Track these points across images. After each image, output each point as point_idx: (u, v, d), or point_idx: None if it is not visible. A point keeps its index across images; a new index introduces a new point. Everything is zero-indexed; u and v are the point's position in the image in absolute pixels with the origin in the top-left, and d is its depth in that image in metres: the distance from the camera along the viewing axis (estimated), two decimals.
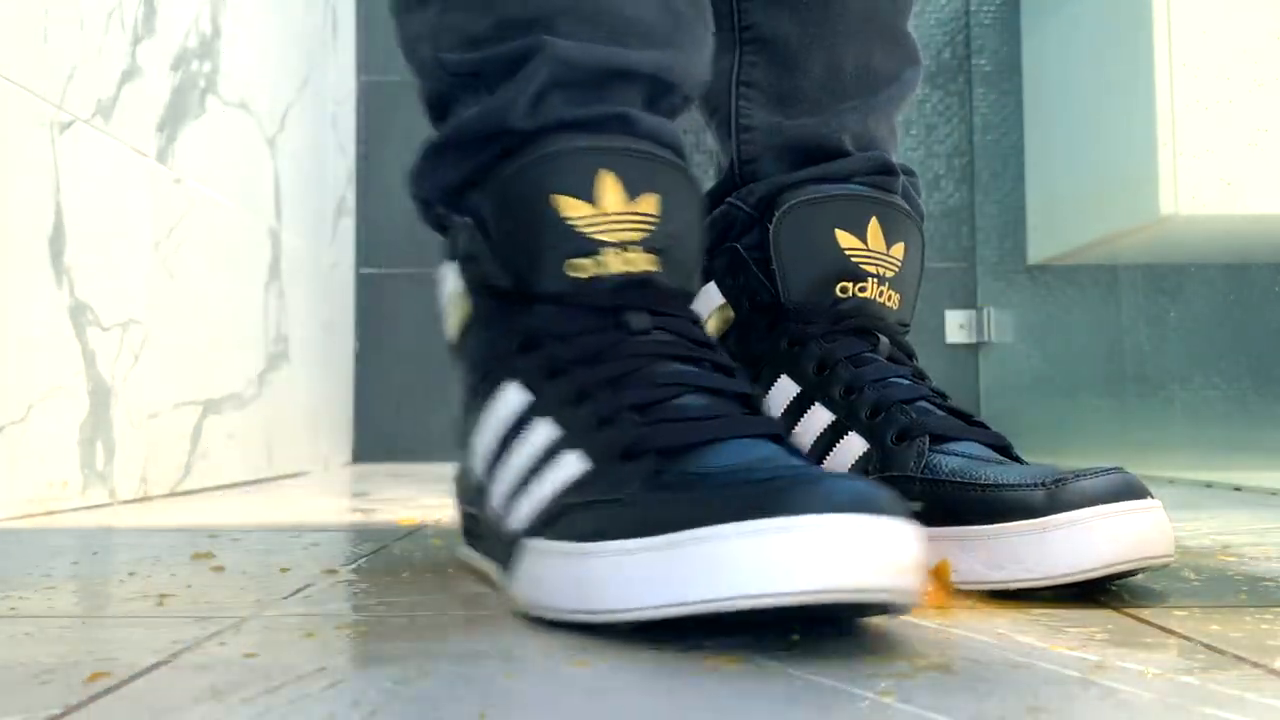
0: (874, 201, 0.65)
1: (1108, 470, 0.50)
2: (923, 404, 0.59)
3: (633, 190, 0.52)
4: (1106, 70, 1.63)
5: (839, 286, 0.64)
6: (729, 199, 0.68)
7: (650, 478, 0.43)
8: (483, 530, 0.54)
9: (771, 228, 0.64)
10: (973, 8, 2.05)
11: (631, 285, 0.51)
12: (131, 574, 0.59)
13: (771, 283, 0.64)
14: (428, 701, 0.33)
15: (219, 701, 0.33)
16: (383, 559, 0.64)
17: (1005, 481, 0.50)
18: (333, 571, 0.59)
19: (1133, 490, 0.49)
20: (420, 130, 0.62)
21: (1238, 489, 1.18)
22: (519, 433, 0.49)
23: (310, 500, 1.17)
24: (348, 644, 0.41)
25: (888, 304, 0.65)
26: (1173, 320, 1.82)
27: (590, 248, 0.51)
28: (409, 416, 1.98)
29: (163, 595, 0.52)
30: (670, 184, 0.53)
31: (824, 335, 0.62)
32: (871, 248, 0.64)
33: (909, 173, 0.70)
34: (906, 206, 0.67)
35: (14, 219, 0.92)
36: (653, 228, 0.52)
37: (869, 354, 0.62)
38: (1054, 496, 0.48)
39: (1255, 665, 0.37)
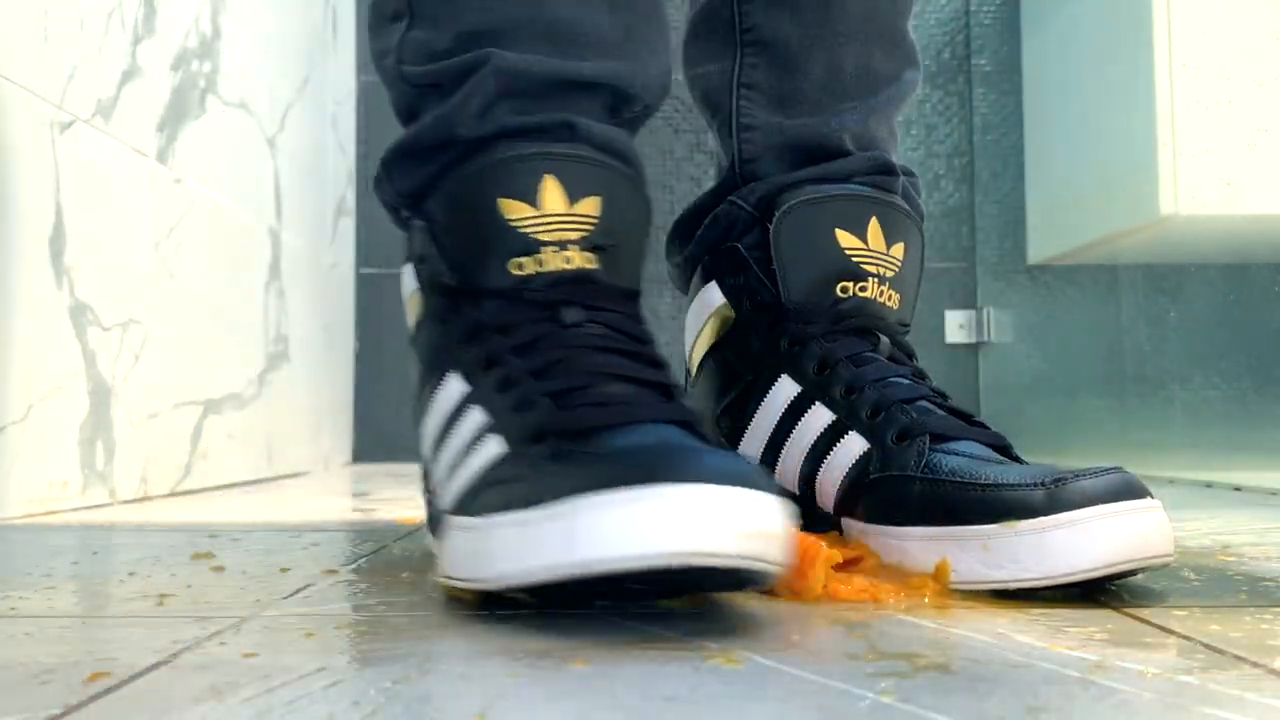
0: (874, 201, 0.65)
1: (1107, 470, 0.50)
2: (923, 403, 0.59)
3: (574, 193, 0.55)
4: (1106, 70, 1.64)
5: (839, 286, 0.64)
6: (730, 198, 0.68)
7: (552, 457, 0.46)
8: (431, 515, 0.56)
9: (772, 227, 0.65)
10: (973, 8, 2.06)
11: (567, 281, 0.54)
12: (131, 574, 0.59)
13: (772, 282, 0.65)
14: (428, 701, 0.33)
15: (219, 701, 0.33)
16: (383, 559, 0.64)
17: (1005, 481, 0.50)
18: (333, 571, 0.59)
19: (1133, 490, 0.49)
20: None
21: (1238, 489, 1.18)
22: (456, 420, 0.52)
23: (310, 500, 1.17)
24: (348, 644, 0.41)
25: (888, 304, 0.65)
26: (1172, 320, 1.82)
27: (531, 247, 0.54)
28: (409, 416, 1.98)
29: (163, 595, 0.52)
30: (612, 188, 0.56)
31: (824, 335, 0.63)
32: (872, 247, 0.64)
33: (909, 173, 0.70)
34: (906, 207, 0.67)
35: (14, 219, 0.92)
36: (591, 228, 0.55)
37: (869, 353, 0.62)
38: (1054, 496, 0.48)
39: (1255, 665, 0.37)
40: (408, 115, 0.61)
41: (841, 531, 0.58)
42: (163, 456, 1.20)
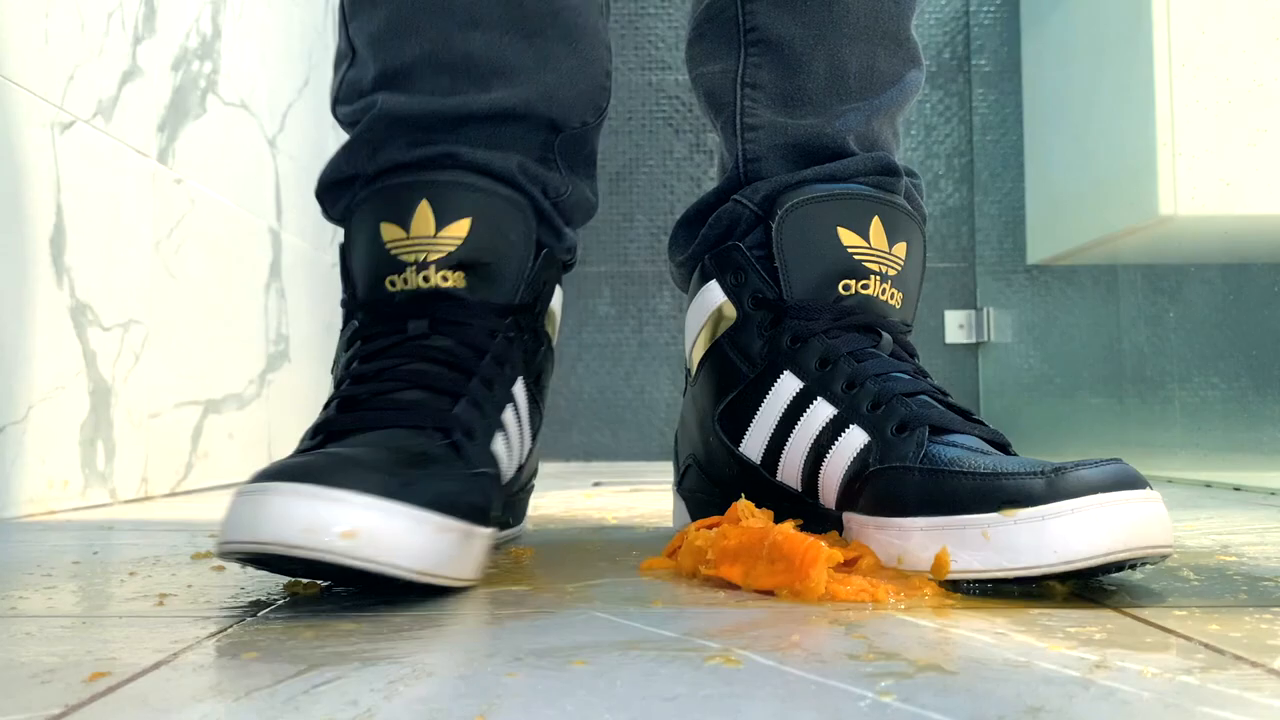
0: (876, 201, 0.65)
1: (1106, 461, 0.50)
2: (923, 398, 0.59)
3: (444, 217, 0.62)
4: (1106, 70, 1.64)
5: (841, 284, 0.64)
6: (734, 197, 0.68)
7: (303, 449, 0.53)
8: None
9: (775, 225, 0.65)
10: (973, 8, 2.06)
11: (421, 298, 0.61)
12: (132, 574, 0.59)
13: (774, 280, 0.65)
14: (428, 701, 0.33)
15: (219, 701, 0.33)
16: None
17: (1004, 470, 0.50)
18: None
19: (1131, 480, 0.49)
20: None
21: (1237, 489, 1.18)
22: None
23: None
24: (348, 644, 0.41)
25: (890, 302, 0.65)
26: (1172, 320, 1.82)
27: (398, 267, 0.62)
28: None
29: (163, 595, 0.52)
30: (485, 210, 0.62)
31: (826, 331, 0.63)
32: (874, 246, 0.65)
33: (912, 174, 0.70)
34: (908, 207, 0.67)
35: (15, 219, 0.92)
36: (453, 249, 0.61)
37: (871, 349, 0.62)
38: (1053, 485, 0.48)
39: (1255, 665, 0.37)
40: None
41: (842, 530, 0.58)
42: (163, 456, 1.20)
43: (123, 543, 0.75)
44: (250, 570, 0.59)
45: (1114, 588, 0.52)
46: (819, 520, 0.59)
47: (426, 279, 0.61)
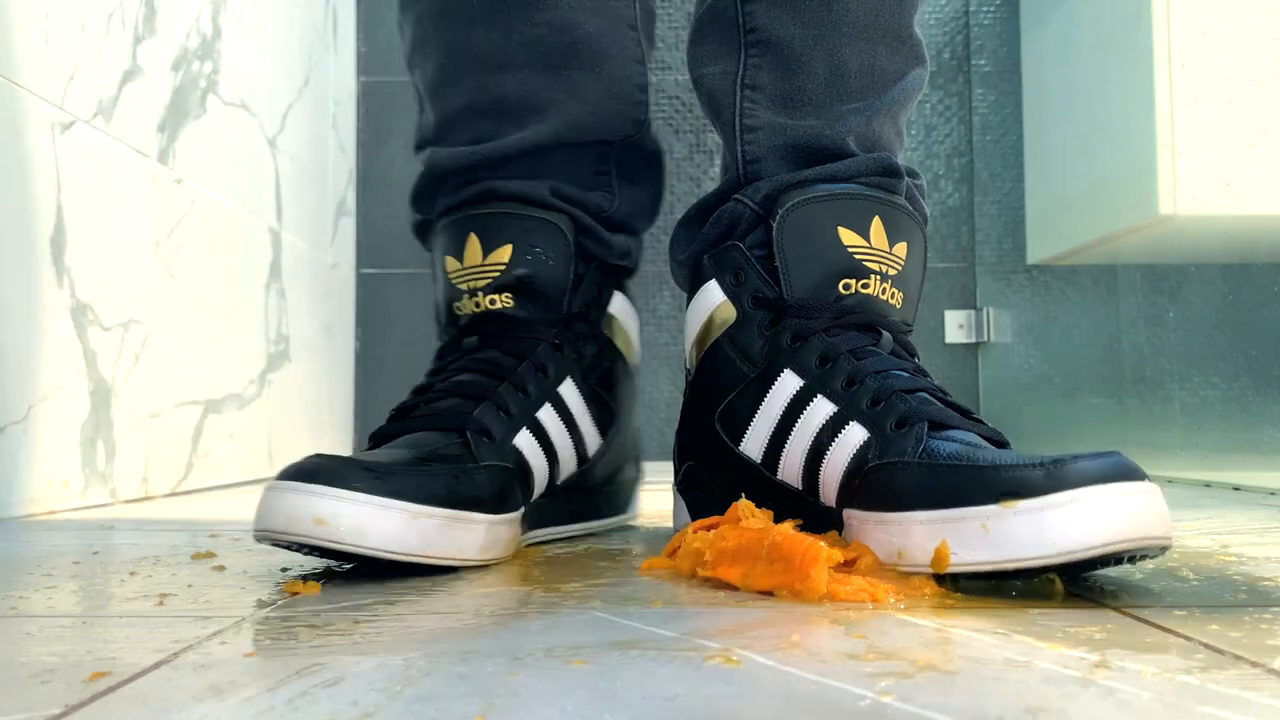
0: (877, 201, 0.66)
1: (1105, 454, 0.50)
2: (923, 395, 0.59)
3: (489, 245, 0.70)
4: (1106, 70, 1.64)
5: (841, 283, 0.64)
6: (735, 196, 0.69)
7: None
8: None
9: (775, 224, 0.65)
10: (972, 8, 2.06)
11: (476, 320, 0.70)
12: (132, 574, 0.59)
13: (774, 279, 0.65)
14: (428, 701, 0.33)
15: (219, 701, 0.33)
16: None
17: (1003, 463, 0.50)
18: (333, 571, 0.59)
19: (1130, 472, 0.49)
20: None
21: (1237, 489, 1.18)
22: None
23: None
24: (348, 644, 0.41)
25: (890, 301, 0.65)
26: (1172, 320, 1.82)
27: (459, 295, 0.71)
28: None
29: (163, 595, 0.52)
30: (522, 233, 0.70)
31: (826, 330, 0.63)
32: (874, 246, 0.65)
33: (913, 175, 0.70)
34: (909, 207, 0.67)
35: (15, 219, 0.92)
36: (499, 274, 0.70)
37: (871, 348, 0.63)
38: (1052, 475, 0.48)
39: (1255, 665, 0.37)
40: None
41: (841, 529, 0.58)
42: (163, 456, 1.20)
43: (123, 543, 0.75)
44: (251, 571, 0.59)
45: (1114, 588, 0.52)
46: (819, 519, 0.59)
47: (478, 304, 0.70)
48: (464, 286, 0.70)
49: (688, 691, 0.34)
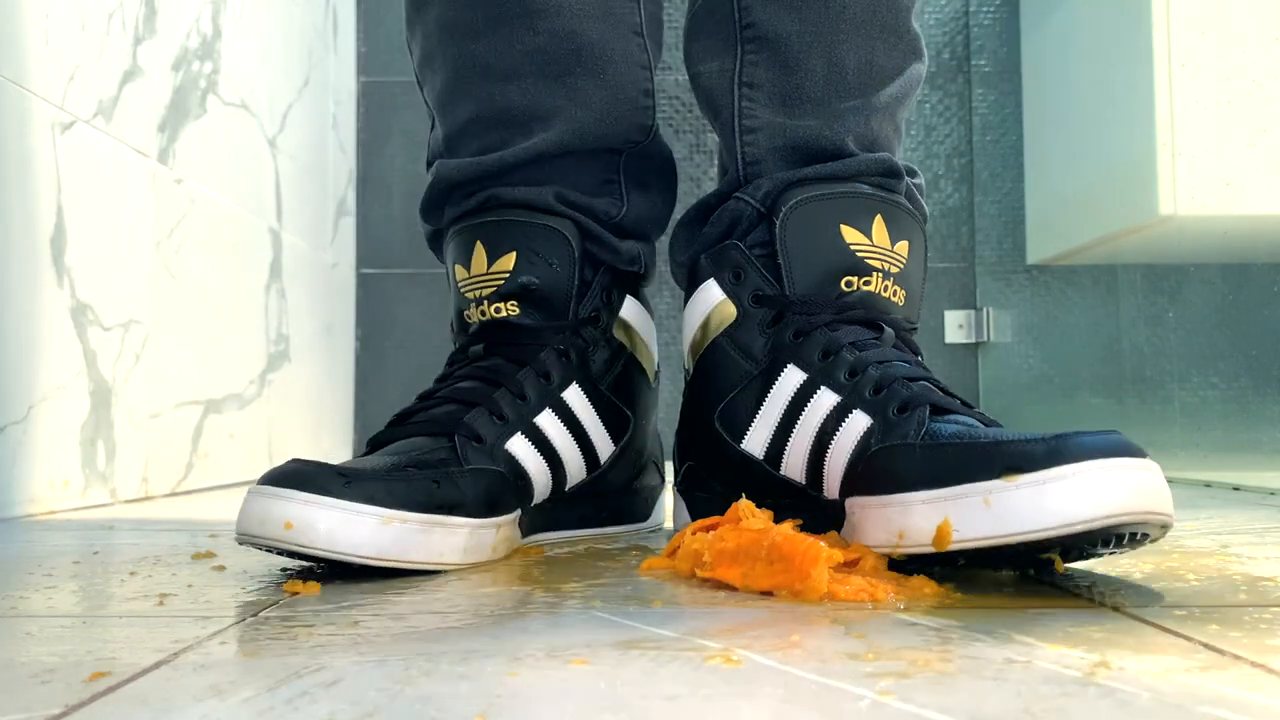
0: (878, 200, 0.66)
1: (1106, 432, 0.50)
2: (924, 383, 0.60)
3: (494, 253, 0.70)
4: (1106, 70, 1.64)
5: (844, 280, 0.65)
6: (736, 194, 0.68)
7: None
8: None
9: (778, 222, 0.65)
10: (972, 8, 2.06)
11: (484, 328, 0.70)
12: (132, 573, 0.59)
13: (775, 277, 0.65)
14: (428, 701, 0.33)
15: (219, 701, 0.33)
16: None
17: (1005, 438, 0.51)
18: (333, 571, 0.59)
19: (1131, 449, 0.49)
20: (420, 130, 0.77)
21: (1237, 489, 1.18)
22: None
23: None
24: (348, 644, 0.41)
25: (892, 299, 0.65)
26: (1171, 320, 1.82)
27: (468, 303, 0.71)
28: None
29: (163, 595, 0.52)
30: (526, 240, 0.70)
31: (828, 325, 0.64)
32: (876, 243, 0.65)
33: (913, 174, 0.70)
34: (910, 206, 0.68)
35: (15, 219, 0.92)
36: (503, 282, 0.70)
37: (873, 340, 0.63)
38: (1054, 450, 0.48)
39: (1255, 665, 0.37)
40: None
41: (842, 528, 0.58)
42: (163, 456, 1.20)
43: (123, 542, 0.75)
44: (251, 571, 0.59)
45: (1114, 588, 0.52)
46: (822, 515, 0.59)
47: (484, 312, 0.70)
48: (471, 295, 0.71)
49: (688, 691, 0.34)
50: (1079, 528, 0.47)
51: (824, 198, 0.65)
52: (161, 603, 0.50)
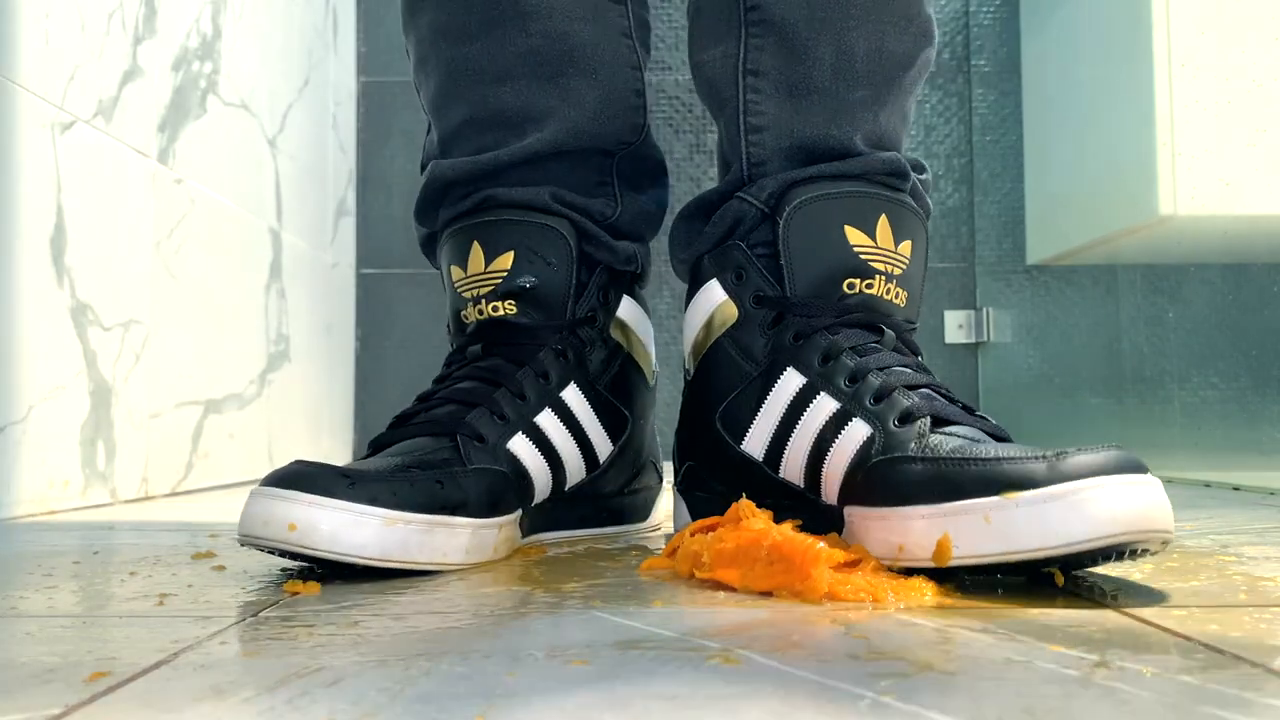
0: (884, 200, 0.65)
1: (1107, 447, 0.50)
2: (926, 390, 0.59)
3: (491, 252, 0.70)
4: (1106, 70, 1.64)
5: (846, 282, 0.64)
6: (739, 194, 0.68)
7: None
8: None
9: (781, 223, 0.65)
10: (972, 8, 2.05)
11: (481, 327, 0.70)
12: (132, 573, 0.59)
13: (777, 279, 0.65)
14: (428, 701, 0.33)
15: (219, 701, 0.33)
16: None
17: (1006, 455, 0.50)
18: (333, 571, 0.59)
19: (1132, 465, 0.49)
20: (420, 131, 0.76)
21: (1236, 489, 1.18)
22: None
23: None
24: (348, 644, 0.41)
25: (895, 301, 0.65)
26: (1171, 320, 1.82)
27: (465, 303, 0.71)
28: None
29: (163, 595, 0.52)
30: (523, 239, 0.70)
31: (829, 328, 0.63)
32: (880, 245, 0.65)
33: (919, 169, 0.70)
34: (915, 205, 0.67)
35: (15, 219, 0.92)
36: (500, 281, 0.70)
37: (874, 344, 0.63)
38: (1054, 468, 0.48)
39: (1255, 665, 0.37)
40: None
41: (842, 530, 0.58)
42: (163, 456, 1.20)
43: (123, 543, 0.75)
44: (251, 571, 0.59)
45: (1114, 588, 0.52)
46: (820, 518, 0.59)
47: (481, 311, 0.70)
48: (469, 295, 0.71)
49: (688, 691, 0.34)
50: (1080, 546, 0.47)
51: (828, 197, 0.65)
52: (161, 603, 0.50)
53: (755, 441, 0.64)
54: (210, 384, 1.33)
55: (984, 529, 0.49)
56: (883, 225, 0.65)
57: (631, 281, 0.76)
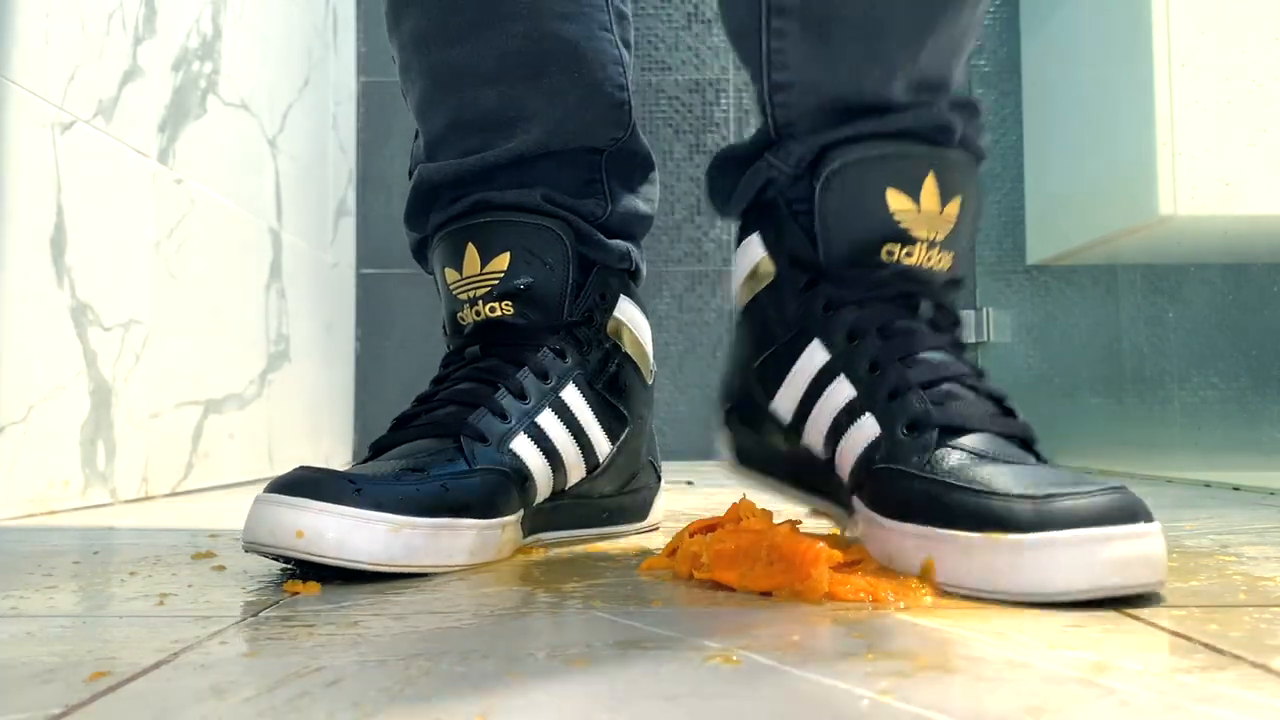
0: (930, 159, 0.60)
1: (1107, 488, 0.48)
2: (947, 386, 0.57)
3: (487, 254, 0.70)
4: (1106, 70, 1.64)
5: (885, 250, 0.60)
6: (767, 155, 0.64)
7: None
8: None
9: (818, 187, 0.61)
10: None
11: (478, 329, 0.70)
12: (132, 573, 0.59)
13: (814, 241, 0.62)
14: (428, 701, 0.33)
15: (219, 701, 0.33)
16: None
17: (996, 490, 0.49)
18: (333, 571, 0.59)
19: (1126, 513, 0.47)
20: None
21: (1236, 489, 1.18)
22: None
23: None
24: (348, 644, 0.41)
25: (936, 267, 0.61)
26: (1171, 320, 1.82)
27: (461, 305, 0.71)
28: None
29: (163, 595, 0.52)
30: (519, 240, 0.70)
31: (859, 301, 0.61)
32: (924, 209, 0.60)
33: (971, 110, 0.63)
34: (964, 154, 0.62)
35: (15, 219, 0.92)
36: (497, 282, 0.69)
37: (903, 323, 0.60)
38: (1040, 513, 0.47)
39: (1254, 665, 0.37)
40: None
41: (853, 510, 0.58)
42: (163, 456, 1.20)
43: (123, 543, 0.75)
44: (251, 571, 0.59)
45: None
46: (839, 490, 0.59)
47: (479, 313, 0.70)
48: (464, 296, 0.71)
49: (688, 691, 0.34)
50: (1055, 598, 0.47)
51: (869, 160, 0.60)
52: (161, 603, 0.50)
53: (783, 404, 0.63)
54: (210, 384, 1.33)
55: (965, 562, 0.49)
56: (929, 186, 0.60)
57: (629, 281, 0.76)
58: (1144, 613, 0.46)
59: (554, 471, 0.69)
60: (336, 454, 1.88)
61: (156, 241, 1.18)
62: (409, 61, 0.75)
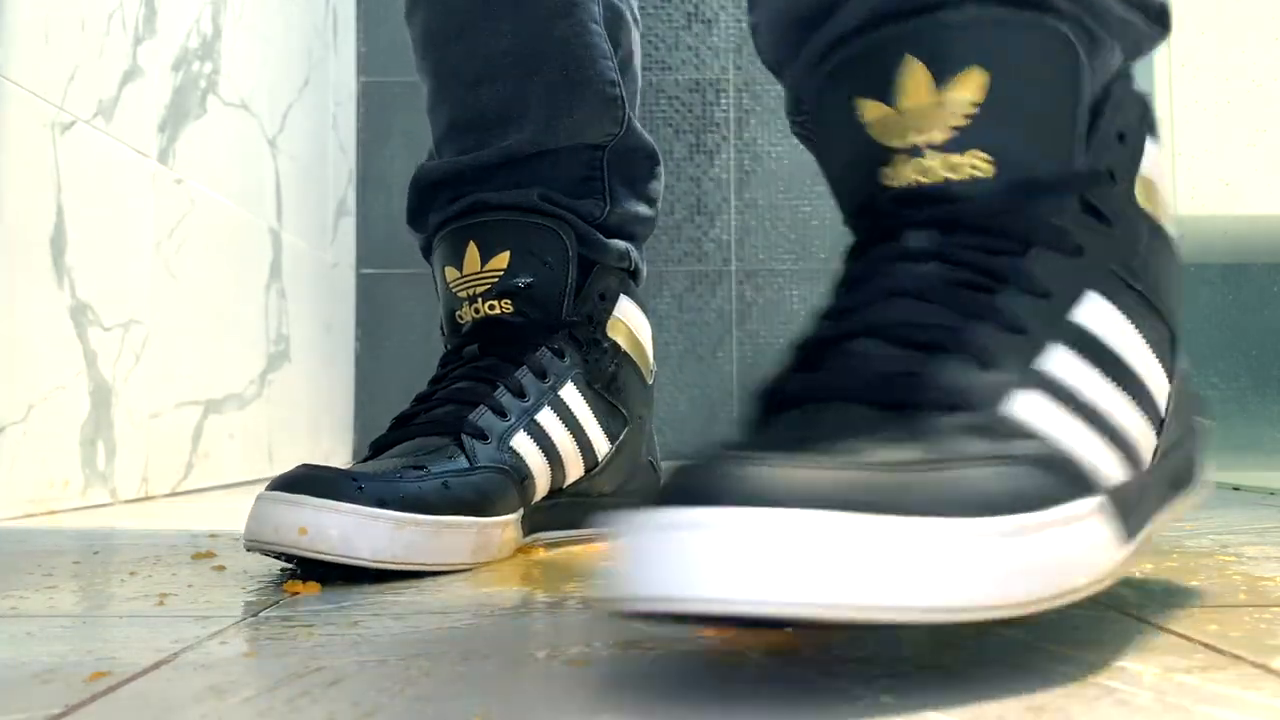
0: (904, 37, 0.43)
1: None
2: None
3: (487, 253, 0.70)
4: None
5: (881, 176, 0.44)
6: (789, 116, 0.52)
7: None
8: None
9: (812, 136, 0.50)
10: None
11: (477, 327, 0.70)
12: (132, 574, 0.59)
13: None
14: (428, 701, 0.33)
15: (219, 701, 0.33)
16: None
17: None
18: (333, 570, 0.59)
19: (685, 493, 0.32)
20: (420, 131, 0.78)
21: (1237, 489, 1.18)
22: None
23: None
24: (348, 644, 0.41)
25: (965, 174, 0.42)
26: None
27: (460, 303, 0.71)
28: None
29: (163, 595, 0.52)
30: (520, 239, 0.70)
31: (882, 239, 0.43)
32: (907, 105, 0.44)
33: None
34: (992, 8, 0.42)
35: (15, 219, 0.92)
36: (497, 280, 0.70)
37: (913, 288, 0.41)
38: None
39: (1254, 665, 0.37)
40: None
41: None
42: (163, 456, 1.20)
43: (123, 543, 0.75)
44: (251, 571, 0.59)
45: (1114, 588, 0.52)
46: None
47: (478, 311, 0.70)
48: (464, 294, 0.71)
49: (689, 691, 0.34)
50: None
51: (834, 76, 0.45)
52: (161, 603, 0.50)
53: None
54: (210, 384, 1.33)
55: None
56: (908, 73, 0.42)
57: (629, 281, 0.76)
58: (1144, 613, 0.46)
59: (553, 470, 0.69)
60: (336, 454, 1.88)
61: (157, 241, 1.18)
62: (420, 61, 0.76)
